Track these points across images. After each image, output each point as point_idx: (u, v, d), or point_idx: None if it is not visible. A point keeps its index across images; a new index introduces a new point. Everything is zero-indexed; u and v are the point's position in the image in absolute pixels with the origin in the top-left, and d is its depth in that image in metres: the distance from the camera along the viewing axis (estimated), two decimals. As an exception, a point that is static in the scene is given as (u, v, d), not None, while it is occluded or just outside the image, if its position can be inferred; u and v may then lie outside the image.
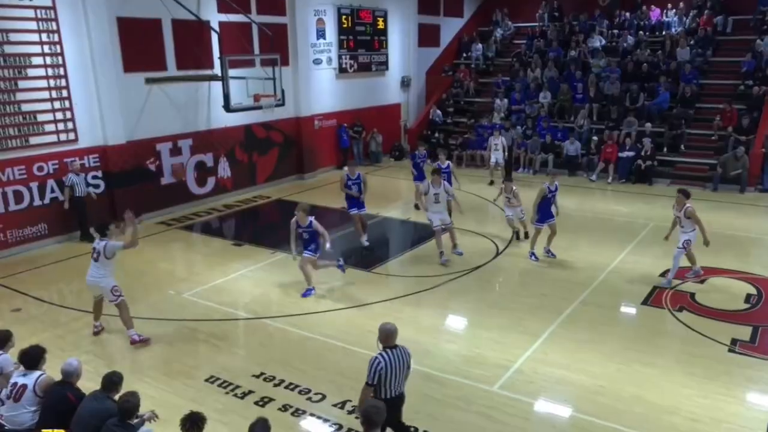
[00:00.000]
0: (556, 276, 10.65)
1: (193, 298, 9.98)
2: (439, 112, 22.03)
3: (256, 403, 7.01)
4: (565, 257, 11.47)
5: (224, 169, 16.23)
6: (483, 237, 12.74)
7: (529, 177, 18.48)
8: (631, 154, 17.51)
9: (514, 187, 12.16)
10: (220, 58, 14.52)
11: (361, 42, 20.49)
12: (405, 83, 22.88)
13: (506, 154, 17.75)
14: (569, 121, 19.75)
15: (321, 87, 19.19)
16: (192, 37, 14.91)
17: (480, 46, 23.91)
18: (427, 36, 23.52)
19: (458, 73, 23.31)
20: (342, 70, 19.95)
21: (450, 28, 24.72)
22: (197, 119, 15.55)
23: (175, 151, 15.02)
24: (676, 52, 19.87)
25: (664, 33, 21.22)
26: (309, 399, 7.10)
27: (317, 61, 18.98)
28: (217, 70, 14.95)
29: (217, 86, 14.89)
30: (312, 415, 6.82)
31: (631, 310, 9.44)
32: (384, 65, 21.68)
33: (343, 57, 19.92)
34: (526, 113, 20.40)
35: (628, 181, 17.43)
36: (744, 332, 8.45)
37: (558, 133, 19.24)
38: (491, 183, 17.31)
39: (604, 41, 21.57)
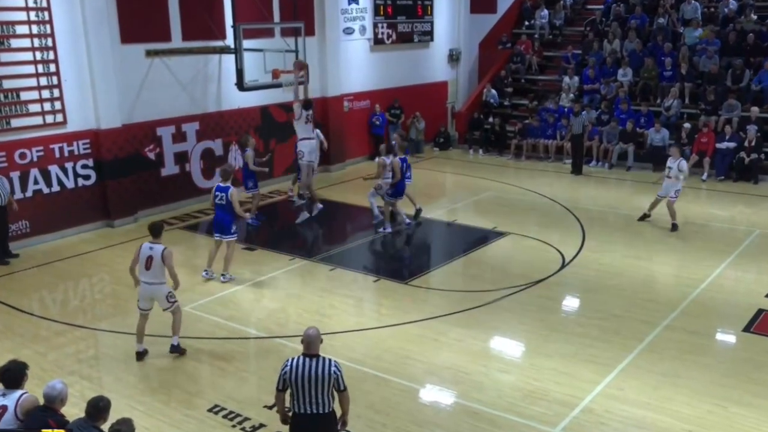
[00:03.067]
0: (636, 294, 10.47)
1: (195, 312, 10.06)
2: (494, 92, 21.88)
3: (264, 437, 7.05)
4: (646, 271, 11.32)
5: (236, 159, 16.40)
6: (546, 244, 12.59)
7: (604, 171, 18.21)
8: (732, 145, 17.15)
9: None
10: (234, 27, 14.73)
11: (402, 7, 20.53)
12: (453, 57, 22.79)
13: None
14: (655, 103, 19.42)
15: (352, 61, 19.32)
16: (201, 3, 15.13)
17: (546, 12, 23.68)
18: (481, 1, 23.39)
19: (518, 45, 23.13)
20: (378, 42, 20.03)
21: (510, -10, 24.56)
22: (206, 99, 15.81)
23: (179, 136, 15.30)
24: (791, 20, 19.37)
25: (776, -4, 20.72)
26: (331, 436, 7.09)
27: (348, 31, 19.07)
28: (229, 41, 15.17)
29: (229, 60, 15.10)
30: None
31: (729, 338, 9.25)
32: (428, 35, 21.68)
33: (380, 25, 19.98)
34: (601, 94, 20.17)
35: (728, 179, 17.13)
36: None
37: (641, 119, 18.93)
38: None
39: (700, 6, 21.10)
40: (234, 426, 7.26)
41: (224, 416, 7.43)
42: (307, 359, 5.63)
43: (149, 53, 14.45)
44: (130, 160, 14.27)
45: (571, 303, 10.55)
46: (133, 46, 14.14)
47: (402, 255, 13.20)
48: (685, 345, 8.88)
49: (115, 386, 8.04)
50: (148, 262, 8.37)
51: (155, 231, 8.60)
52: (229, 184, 10.81)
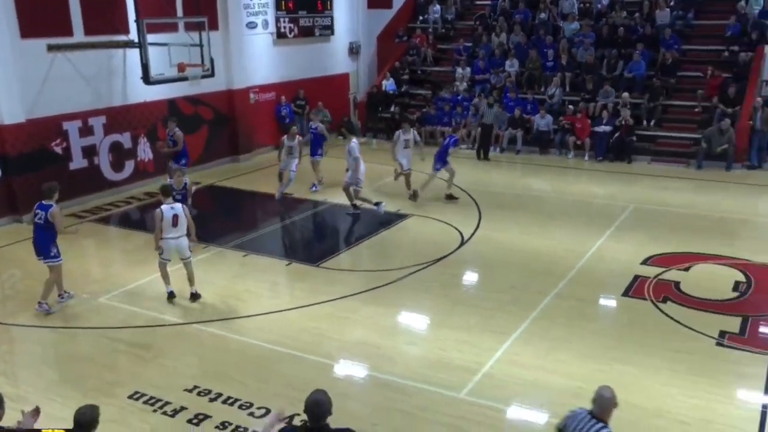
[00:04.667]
0: (529, 267, 10.81)
1: (111, 302, 9.73)
2: (392, 81, 21.97)
3: (189, 421, 6.89)
4: (538, 245, 11.68)
5: (144, 151, 15.83)
6: (447, 224, 12.82)
7: (496, 155, 18.70)
8: (608, 128, 17.89)
9: None
10: (137, 21, 14.13)
11: (303, 2, 20.26)
12: (354, 50, 22.76)
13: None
14: (539, 92, 20.05)
15: (257, 55, 18.93)
16: (103, -3, 14.48)
17: (438, 7, 23.93)
18: (378, -4, 23.45)
19: (414, 38, 23.28)
20: (280, 35, 19.70)
21: (404, -14, 24.67)
22: (111, 93, 15.11)
23: (86, 130, 14.57)
24: (655, 15, 20.34)
25: (641, -7, 21.70)
26: (251, 414, 7.01)
27: (251, 25, 18.67)
28: (133, 35, 14.55)
29: (134, 54, 14.50)
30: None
31: (611, 303, 9.69)
32: (329, 29, 21.51)
33: (282, 20, 19.65)
34: (491, 83, 20.59)
35: (606, 159, 17.84)
36: (733, 324, 8.77)
37: (527, 106, 19.49)
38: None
39: (576, 3, 21.87)
40: (155, 411, 7.07)
41: (145, 402, 7.22)
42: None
43: (51, 48, 13.65)
44: (36, 155, 13.50)
45: (471, 278, 10.81)
46: (33, 41, 13.31)
47: (312, 239, 13.14)
48: (573, 311, 9.25)
49: (32, 380, 7.71)
50: (175, 219, 9.19)
51: (166, 192, 9.51)
52: (52, 202, 9.16)
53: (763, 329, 8.72)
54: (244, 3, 18.24)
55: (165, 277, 9.60)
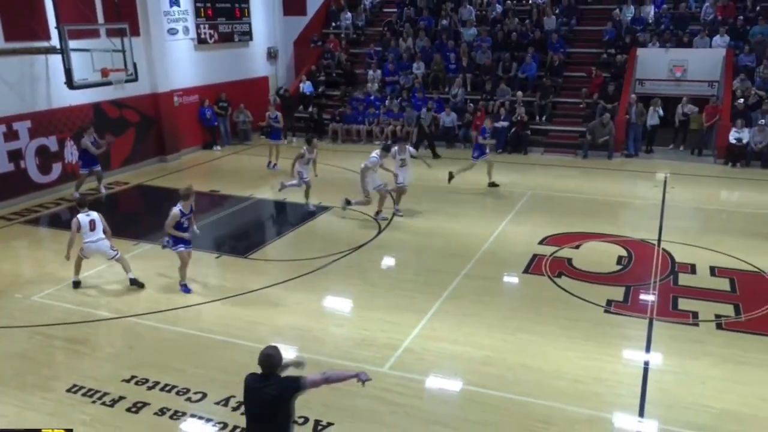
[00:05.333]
0: (440, 251, 11.01)
1: (45, 301, 9.28)
2: (309, 83, 21.81)
3: (128, 409, 6.68)
4: (448, 231, 11.90)
5: (71, 154, 15.11)
6: (365, 215, 12.88)
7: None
8: (505, 123, 18.40)
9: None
10: (58, 27, 13.45)
11: (221, 10, 19.81)
12: (272, 54, 22.44)
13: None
14: (444, 91, 20.37)
15: (179, 60, 18.36)
16: (22, 4, 13.67)
17: (349, 14, 23.91)
18: (292, 4, 23.16)
19: (327, 43, 23.19)
20: (201, 41, 19.20)
21: (316, -5, 24.48)
22: (35, 98, 14.32)
23: (11, 135, 13.78)
24: (543, 21, 21.04)
25: (530, 2, 22.34)
26: (188, 399, 6.88)
27: (173, 31, 18.10)
28: (55, 41, 13.83)
29: (57, 60, 13.78)
30: (193, 416, 6.62)
31: (513, 280, 9.99)
32: (248, 35, 21.12)
33: (202, 26, 19.16)
34: (400, 84, 20.77)
35: (504, 151, 18.31)
36: (617, 293, 9.25)
37: (434, 104, 19.74)
38: None
39: (474, 10, 22.34)
40: (94, 402, 6.82)
41: (84, 394, 6.94)
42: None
43: (-29, 54, 12.85)
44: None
45: (389, 262, 10.88)
46: (-48, 47, 12.50)
47: (240, 232, 12.92)
48: (480, 288, 9.50)
49: (-33, 380, 7.26)
50: (92, 224, 9.25)
51: (82, 203, 9.56)
52: None
53: (642, 296, 9.22)
54: (164, 10, 17.66)
55: (77, 268, 9.67)
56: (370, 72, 21.32)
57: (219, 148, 19.30)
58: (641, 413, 6.59)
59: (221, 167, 17.56)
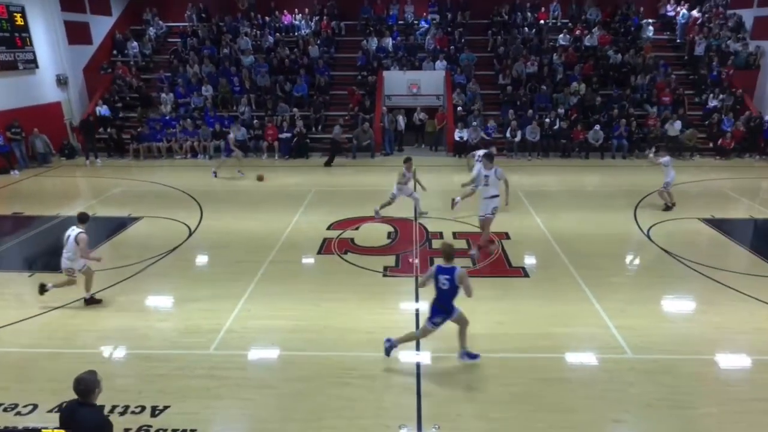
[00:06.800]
0: (246, 244, 10.76)
1: None
2: (105, 107, 19.71)
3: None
4: (251, 227, 11.67)
5: None
6: (174, 221, 12.10)
7: (205, 162, 18.09)
8: (288, 134, 18.47)
9: None
10: None
11: (1, 39, 16.98)
12: (62, 81, 19.81)
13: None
14: (233, 110, 19.79)
15: (-40, 88, 15.41)
16: None
17: (135, 44, 22.04)
18: (76, 33, 20.59)
19: (117, 70, 21.13)
20: (-16, 70, 16.32)
21: (100, 25, 22.08)
22: None
23: None
24: (309, 50, 21.42)
25: (296, 34, 22.60)
26: (18, 413, 5.95)
27: (-49, 60, 15.12)
28: None
29: None
30: (26, 429, 5.74)
31: (310, 260, 10.12)
32: (33, 63, 18.41)
33: (-17, 55, 16.28)
34: (193, 105, 19.72)
35: (291, 157, 18.38)
36: (390, 260, 9.88)
37: (225, 121, 19.13)
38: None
39: (250, 41, 21.95)
40: None
41: None
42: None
43: None
44: None
45: (203, 260, 10.36)
46: None
47: (51, 249, 11.25)
48: (284, 271, 9.50)
49: None
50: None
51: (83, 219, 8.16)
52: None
53: (408, 260, 9.94)
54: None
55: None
56: (163, 95, 19.91)
57: (17, 172, 16.64)
58: (418, 347, 7.16)
59: (21, 190, 15.14)
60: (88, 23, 21.41)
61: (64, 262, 8.12)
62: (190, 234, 11.36)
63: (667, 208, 12.37)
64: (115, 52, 22.11)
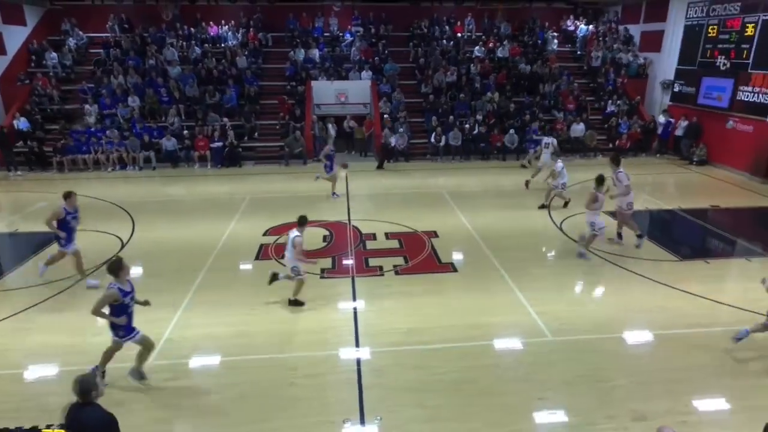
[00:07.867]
0: (183, 253, 10.39)
1: None
2: (24, 120, 18.37)
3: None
4: (186, 236, 11.30)
5: None
6: (104, 233, 11.48)
7: (136, 173, 17.29)
8: (220, 144, 18.00)
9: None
10: None
11: None
12: (-25, 93, 18.30)
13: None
14: (162, 120, 19.02)
15: None
16: None
17: (54, 54, 20.68)
18: (-11, 43, 19.10)
19: (36, 81, 19.76)
20: None
21: (14, 35, 20.46)
22: None
23: None
24: (237, 61, 20.97)
25: (223, 45, 22.04)
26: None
27: None
28: None
29: None
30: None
31: (248, 266, 9.92)
32: (-57, 74, 16.88)
33: None
34: (119, 116, 18.78)
35: (223, 166, 17.91)
36: (327, 263, 9.89)
37: (154, 132, 18.37)
38: None
39: (176, 51, 21.19)
40: None
41: None
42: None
43: None
44: None
45: (138, 270, 9.85)
46: None
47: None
48: (222, 278, 9.28)
49: None
50: None
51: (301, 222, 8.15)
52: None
53: (345, 262, 9.99)
54: None
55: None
56: (87, 106, 18.82)
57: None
58: (357, 344, 7.24)
59: (-68, 208, 13.85)
60: (1, 33, 19.87)
61: (288, 262, 8.26)
62: (123, 246, 10.83)
63: (566, 204, 13.16)
64: (32, 63, 20.66)
